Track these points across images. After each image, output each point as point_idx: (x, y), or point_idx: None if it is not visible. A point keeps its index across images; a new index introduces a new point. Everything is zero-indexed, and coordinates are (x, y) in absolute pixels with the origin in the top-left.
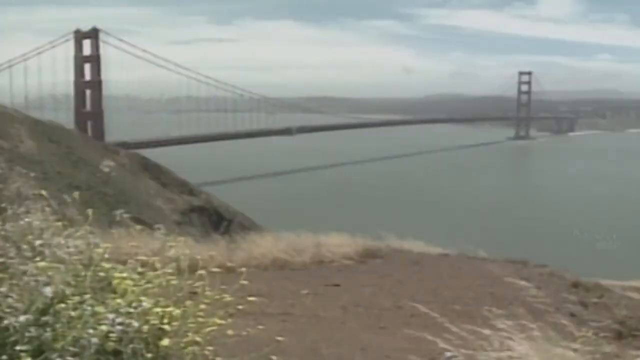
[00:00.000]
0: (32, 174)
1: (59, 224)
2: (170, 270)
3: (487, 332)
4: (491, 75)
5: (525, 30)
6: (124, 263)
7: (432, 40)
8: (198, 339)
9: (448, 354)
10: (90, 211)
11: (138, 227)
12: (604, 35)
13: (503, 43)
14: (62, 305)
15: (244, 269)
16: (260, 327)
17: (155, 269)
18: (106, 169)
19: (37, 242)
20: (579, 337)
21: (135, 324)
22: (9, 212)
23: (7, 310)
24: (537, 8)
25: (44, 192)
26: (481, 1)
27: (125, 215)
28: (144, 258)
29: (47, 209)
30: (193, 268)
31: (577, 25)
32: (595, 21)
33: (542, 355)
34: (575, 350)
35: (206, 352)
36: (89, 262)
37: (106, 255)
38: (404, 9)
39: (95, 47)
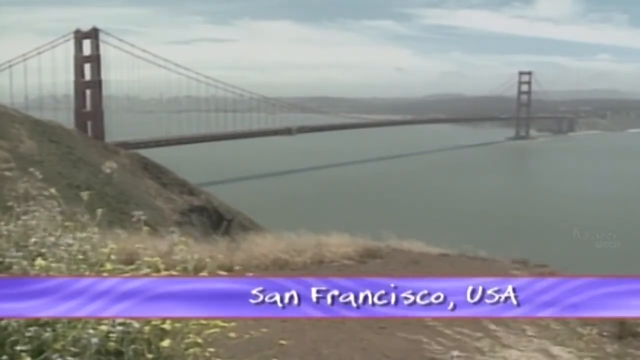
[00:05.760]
0: (41, 176)
1: (66, 224)
2: (175, 273)
3: (490, 330)
4: (490, 75)
5: (524, 30)
6: (130, 264)
7: (431, 40)
8: (199, 340)
9: (455, 352)
10: (99, 211)
11: (145, 228)
12: (603, 35)
13: (502, 43)
14: None
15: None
16: (263, 330)
17: (159, 270)
18: (107, 171)
19: (38, 241)
20: (582, 337)
21: (136, 324)
22: (14, 211)
23: None
24: (535, 8)
25: (53, 191)
26: (479, 1)
27: (143, 217)
28: (149, 259)
29: (53, 209)
30: (197, 269)
31: (576, 25)
32: (594, 21)
33: (543, 355)
34: (578, 350)
35: (207, 354)
36: (92, 262)
37: (112, 257)
38: (402, 9)
39: (95, 47)
